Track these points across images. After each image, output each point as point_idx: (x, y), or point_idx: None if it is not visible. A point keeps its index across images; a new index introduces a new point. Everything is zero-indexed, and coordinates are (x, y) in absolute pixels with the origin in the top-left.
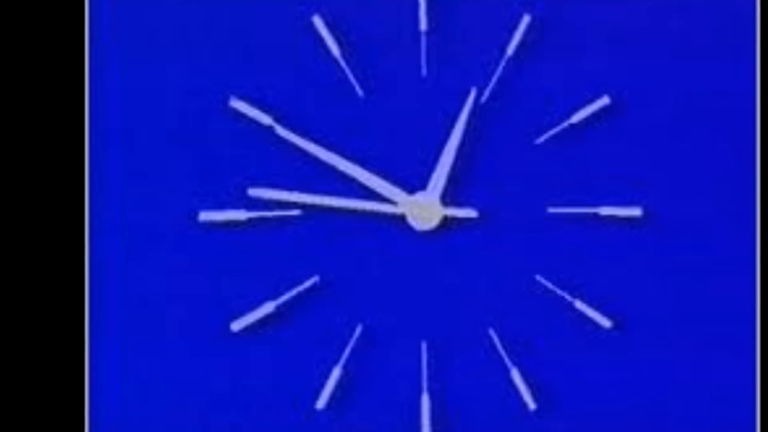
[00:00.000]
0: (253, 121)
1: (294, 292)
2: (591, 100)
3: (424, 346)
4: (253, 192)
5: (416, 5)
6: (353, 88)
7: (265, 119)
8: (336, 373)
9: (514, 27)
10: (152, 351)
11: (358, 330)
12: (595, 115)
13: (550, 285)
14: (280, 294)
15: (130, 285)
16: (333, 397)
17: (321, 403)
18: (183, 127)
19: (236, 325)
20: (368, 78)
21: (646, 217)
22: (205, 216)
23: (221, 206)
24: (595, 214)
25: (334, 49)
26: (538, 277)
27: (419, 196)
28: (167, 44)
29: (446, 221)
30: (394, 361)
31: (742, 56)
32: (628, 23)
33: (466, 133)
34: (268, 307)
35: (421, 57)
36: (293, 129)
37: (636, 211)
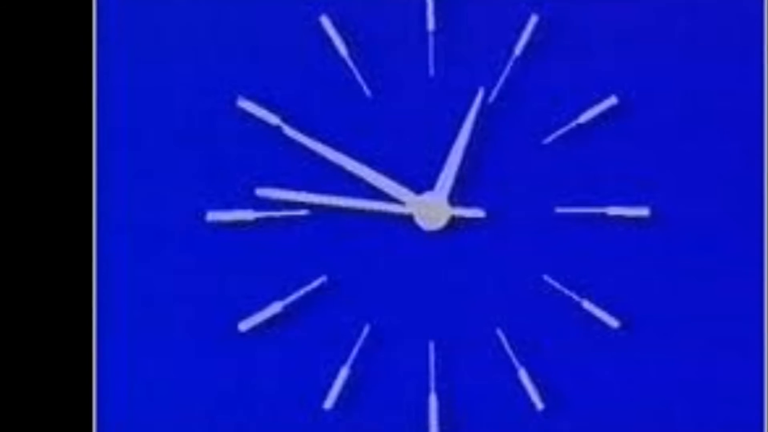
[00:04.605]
0: (260, 121)
1: (301, 292)
2: (599, 100)
3: (431, 346)
4: (261, 192)
5: (424, 5)
6: (361, 88)
7: (273, 119)
8: (343, 373)
9: (522, 27)
10: (159, 351)
11: (366, 330)
12: (602, 115)
13: (557, 285)
14: (288, 294)
15: (137, 285)
16: (340, 397)
17: (328, 403)
18: (190, 127)
19: (244, 325)
20: (376, 78)
21: (654, 218)
22: (212, 216)
23: (229, 206)
24: (603, 214)
25: (342, 49)
26: (545, 277)
27: (427, 196)
28: (174, 44)
29: (454, 221)
30: (402, 361)
31: (749, 57)
32: (636, 23)
33: (474, 133)
34: (275, 307)
35: (428, 57)
36: (301, 129)
37: (644, 212)
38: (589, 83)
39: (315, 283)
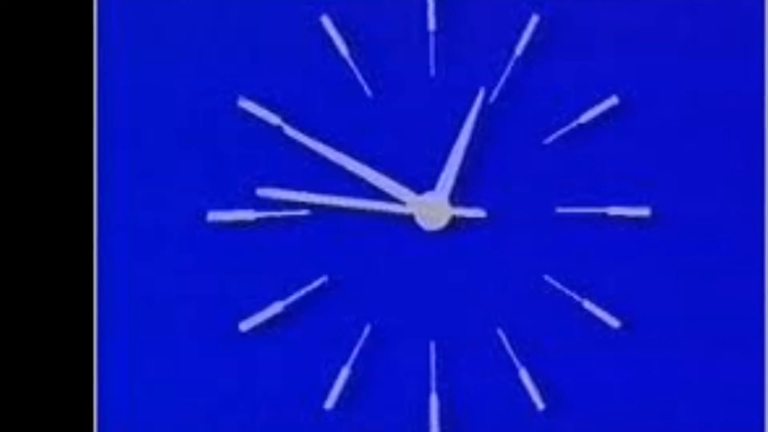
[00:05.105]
0: (261, 121)
1: (302, 292)
2: (599, 100)
3: (432, 346)
4: (262, 192)
5: (425, 5)
6: (362, 88)
7: (274, 119)
8: (344, 373)
9: (523, 27)
10: (160, 351)
11: (367, 330)
12: (603, 115)
13: (558, 285)
14: (289, 294)
15: (138, 285)
16: (341, 397)
17: (329, 403)
18: (191, 127)
19: (245, 325)
20: (377, 78)
21: (655, 217)
22: (213, 216)
23: (230, 206)
24: (604, 214)
25: (343, 49)
26: (546, 277)
27: (428, 196)
28: (176, 44)
29: (455, 221)
30: (403, 361)
31: (751, 56)
32: (637, 23)
33: (475, 133)
34: (276, 307)
35: (429, 57)
36: (302, 129)
37: (644, 211)
38: (590, 83)
39: (316, 283)
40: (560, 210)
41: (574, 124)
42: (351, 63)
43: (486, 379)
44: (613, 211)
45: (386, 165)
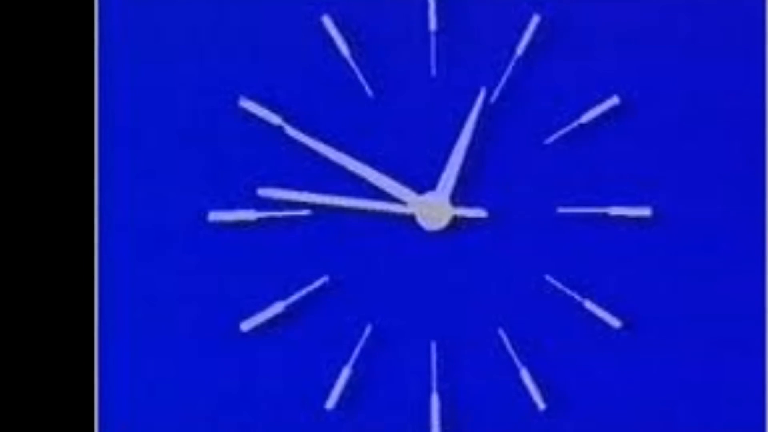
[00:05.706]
0: (262, 121)
1: (303, 292)
2: (600, 100)
3: (433, 346)
4: (263, 192)
5: (426, 5)
6: (363, 88)
7: (275, 119)
8: (345, 373)
9: (524, 27)
10: (162, 351)
11: (368, 330)
12: (604, 115)
13: (559, 285)
14: (290, 294)
15: (139, 285)
16: (342, 397)
17: (330, 403)
18: (192, 127)
19: (246, 325)
20: (378, 78)
21: (656, 217)
22: (214, 216)
23: (231, 206)
24: (605, 214)
25: (344, 49)
26: (547, 277)
27: (429, 196)
28: (177, 44)
29: (456, 221)
30: (404, 361)
31: (751, 56)
32: (638, 23)
33: (476, 133)
34: (277, 307)
35: (430, 57)
36: (303, 129)
37: (645, 211)
38: (591, 83)
39: (317, 283)
40: (561, 210)
41: (575, 124)
42: (352, 63)
43: (487, 380)
44: (615, 211)
45: (387, 165)
